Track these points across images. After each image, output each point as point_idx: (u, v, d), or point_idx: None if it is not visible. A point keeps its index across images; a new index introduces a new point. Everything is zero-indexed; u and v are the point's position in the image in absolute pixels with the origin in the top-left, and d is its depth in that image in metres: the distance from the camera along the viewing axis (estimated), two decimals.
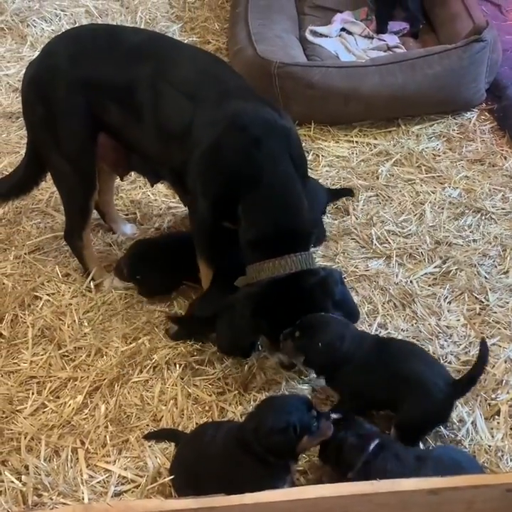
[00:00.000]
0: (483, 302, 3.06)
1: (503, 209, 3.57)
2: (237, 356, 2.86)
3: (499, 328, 2.95)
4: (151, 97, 2.82)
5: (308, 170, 3.74)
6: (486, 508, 2.01)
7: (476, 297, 3.08)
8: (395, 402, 2.46)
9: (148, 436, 2.59)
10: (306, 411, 2.26)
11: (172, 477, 2.37)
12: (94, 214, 3.36)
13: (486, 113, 4.24)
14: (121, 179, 3.43)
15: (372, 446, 2.27)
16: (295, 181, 2.75)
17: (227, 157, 2.70)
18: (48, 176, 3.29)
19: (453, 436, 2.53)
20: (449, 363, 2.80)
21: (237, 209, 2.70)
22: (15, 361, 2.91)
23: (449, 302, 3.07)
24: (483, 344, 2.47)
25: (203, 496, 1.97)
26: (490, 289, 3.12)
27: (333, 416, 2.35)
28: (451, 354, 2.84)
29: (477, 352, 2.57)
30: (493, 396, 2.69)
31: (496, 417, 2.63)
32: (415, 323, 2.98)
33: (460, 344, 2.89)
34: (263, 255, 2.66)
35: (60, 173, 3.06)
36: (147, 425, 2.66)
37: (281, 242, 2.65)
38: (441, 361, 2.76)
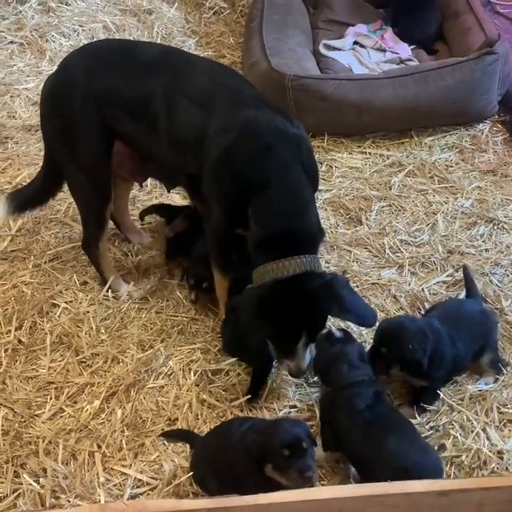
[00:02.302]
0: (497, 308, 3.09)
1: None
2: (244, 360, 2.89)
3: None
4: (165, 108, 2.88)
5: (322, 181, 3.84)
6: (496, 510, 2.04)
7: (491, 303, 3.11)
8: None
9: (165, 435, 2.66)
10: (281, 445, 2.23)
11: (191, 474, 2.44)
12: (110, 224, 3.44)
13: (498, 125, 4.28)
14: (141, 186, 3.49)
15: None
16: (304, 187, 2.77)
17: (238, 163, 2.74)
18: (66, 187, 3.38)
19: (464, 439, 2.56)
20: None
21: (247, 214, 2.75)
22: (33, 367, 2.97)
23: None
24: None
25: (217, 497, 2.02)
26: (503, 297, 3.14)
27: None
28: None
29: None
30: (508, 404, 2.72)
31: (508, 424, 2.66)
32: None
33: None
34: (268, 257, 2.67)
35: (76, 184, 3.14)
36: (162, 429, 2.70)
37: (287, 244, 2.66)
38: None
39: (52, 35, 5.25)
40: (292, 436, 2.27)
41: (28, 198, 3.32)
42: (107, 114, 2.96)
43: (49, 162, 3.23)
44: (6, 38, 5.26)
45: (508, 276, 3.28)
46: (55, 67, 4.83)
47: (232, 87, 2.95)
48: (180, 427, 2.71)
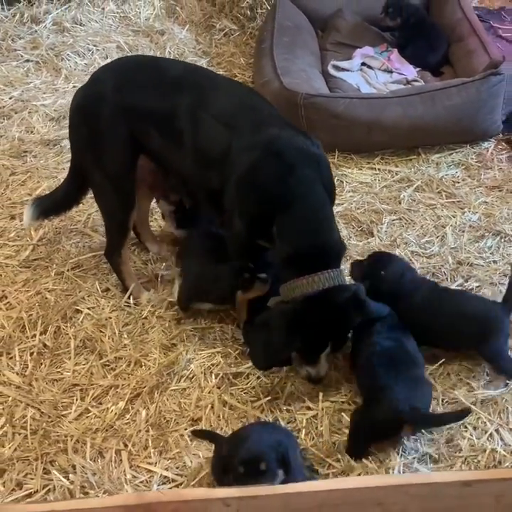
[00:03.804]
0: None
1: None
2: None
3: None
4: (190, 125, 3.01)
5: None
6: None
7: None
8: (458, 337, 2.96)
9: (194, 432, 2.75)
10: (238, 461, 2.28)
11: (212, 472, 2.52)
12: (131, 234, 3.56)
13: (503, 143, 4.42)
14: (157, 201, 3.61)
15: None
16: (325, 203, 2.92)
17: (263, 180, 2.86)
18: (86, 199, 3.52)
19: (477, 440, 2.68)
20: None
21: (271, 229, 2.87)
22: (58, 370, 3.07)
23: None
24: None
25: (247, 486, 2.11)
26: None
27: None
28: None
29: None
30: None
31: None
32: None
33: None
34: (296, 273, 2.80)
35: (102, 192, 3.26)
36: (185, 429, 2.79)
37: (313, 260, 2.80)
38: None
39: (68, 54, 5.41)
40: (250, 456, 2.29)
41: (52, 205, 3.45)
42: (134, 127, 3.09)
43: (75, 170, 3.36)
44: (22, 56, 5.42)
45: None
46: (71, 85, 5.09)
47: (255, 106, 3.08)
48: (203, 427, 2.80)
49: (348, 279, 3.06)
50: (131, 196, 3.23)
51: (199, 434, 2.74)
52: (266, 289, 3.06)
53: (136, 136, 3.11)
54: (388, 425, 2.61)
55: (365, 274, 3.06)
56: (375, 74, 4.96)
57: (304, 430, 2.77)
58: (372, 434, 2.63)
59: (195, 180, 3.10)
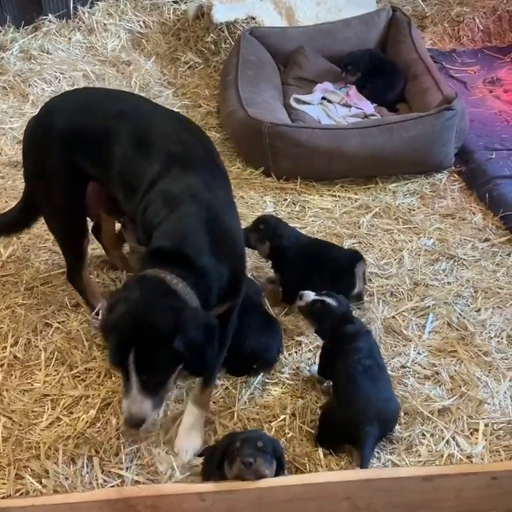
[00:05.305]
0: (461, 332, 3.39)
1: (473, 256, 3.93)
2: None
3: (479, 356, 3.27)
4: (118, 154, 2.95)
5: (296, 219, 4.14)
6: (473, 495, 2.27)
7: (456, 328, 3.41)
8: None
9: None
10: (236, 439, 2.43)
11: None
12: (100, 251, 3.65)
13: (455, 174, 4.65)
14: (120, 222, 3.59)
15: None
16: (194, 224, 2.68)
17: (148, 217, 2.75)
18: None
19: (435, 446, 2.82)
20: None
21: None
22: (29, 381, 3.12)
23: (430, 332, 3.40)
24: None
25: (223, 481, 2.20)
26: (468, 324, 3.43)
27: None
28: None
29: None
30: (473, 416, 2.97)
31: (475, 432, 2.91)
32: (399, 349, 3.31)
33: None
34: (142, 268, 2.62)
35: (52, 221, 3.30)
36: (156, 438, 2.87)
37: (155, 260, 2.60)
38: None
39: (35, 81, 5.53)
40: (249, 435, 2.47)
41: (4, 225, 3.51)
42: (77, 155, 3.06)
43: (27, 196, 3.38)
44: None
45: (468, 306, 3.58)
46: (38, 110, 5.16)
47: (179, 142, 2.96)
48: (172, 436, 2.87)
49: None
50: (81, 225, 3.24)
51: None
52: None
53: (80, 165, 3.08)
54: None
55: (267, 236, 3.56)
56: (335, 108, 5.18)
57: None
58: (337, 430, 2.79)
59: (123, 206, 3.04)
